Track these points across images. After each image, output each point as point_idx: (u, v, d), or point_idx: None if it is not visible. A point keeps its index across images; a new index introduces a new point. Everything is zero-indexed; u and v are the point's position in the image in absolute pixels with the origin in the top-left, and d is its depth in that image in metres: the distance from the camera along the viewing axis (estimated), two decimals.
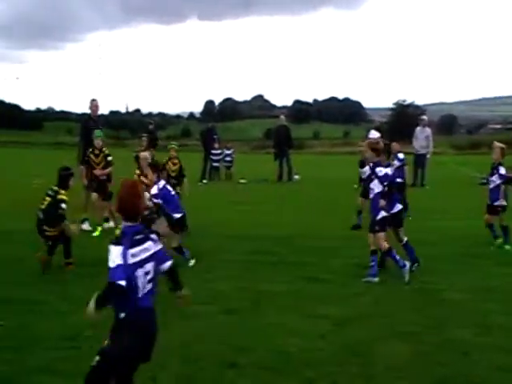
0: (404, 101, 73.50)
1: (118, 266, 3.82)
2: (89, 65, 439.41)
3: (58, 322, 6.46)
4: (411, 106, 72.82)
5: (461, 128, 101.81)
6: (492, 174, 10.37)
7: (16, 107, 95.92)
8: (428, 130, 21.72)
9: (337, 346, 5.79)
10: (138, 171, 11.30)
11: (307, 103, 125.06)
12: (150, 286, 4.02)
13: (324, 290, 7.81)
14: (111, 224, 11.94)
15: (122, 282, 3.77)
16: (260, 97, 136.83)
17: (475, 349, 5.72)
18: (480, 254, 9.90)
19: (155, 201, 8.98)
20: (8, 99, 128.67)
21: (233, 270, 8.83)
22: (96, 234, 11.49)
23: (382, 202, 8.19)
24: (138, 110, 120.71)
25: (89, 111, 12.82)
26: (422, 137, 21.47)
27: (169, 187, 9.37)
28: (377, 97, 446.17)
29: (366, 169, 8.67)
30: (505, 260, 9.53)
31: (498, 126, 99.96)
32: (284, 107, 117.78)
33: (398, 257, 8.16)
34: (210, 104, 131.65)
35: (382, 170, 8.27)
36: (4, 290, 7.61)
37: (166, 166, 12.45)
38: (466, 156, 40.30)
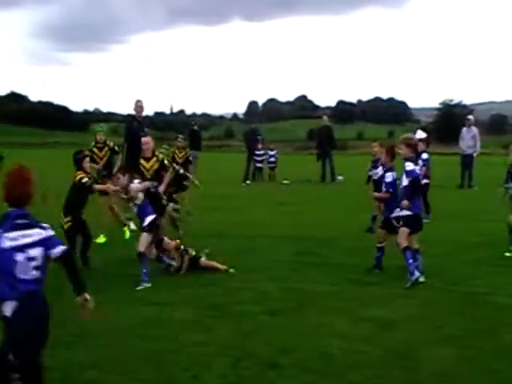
0: (451, 100, 72.53)
1: None
2: (134, 66, 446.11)
3: None
4: (458, 105, 71.64)
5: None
6: None
7: (64, 109, 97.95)
8: (474, 130, 21.21)
9: (381, 349, 5.69)
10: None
11: (351, 103, 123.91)
12: (36, 274, 3.92)
13: (368, 291, 7.71)
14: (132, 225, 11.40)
15: None
16: (303, 97, 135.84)
17: None
18: None
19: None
20: (57, 101, 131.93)
21: (276, 270, 8.80)
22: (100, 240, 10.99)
23: (406, 202, 8.02)
24: (182, 111, 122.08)
25: (134, 112, 12.73)
26: (469, 137, 20.99)
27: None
28: (423, 96, 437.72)
29: (379, 169, 8.49)
30: None
31: None
32: (327, 108, 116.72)
33: (411, 261, 7.87)
34: (253, 105, 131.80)
35: (410, 165, 8.12)
36: None
37: (174, 154, 13.15)
38: None
